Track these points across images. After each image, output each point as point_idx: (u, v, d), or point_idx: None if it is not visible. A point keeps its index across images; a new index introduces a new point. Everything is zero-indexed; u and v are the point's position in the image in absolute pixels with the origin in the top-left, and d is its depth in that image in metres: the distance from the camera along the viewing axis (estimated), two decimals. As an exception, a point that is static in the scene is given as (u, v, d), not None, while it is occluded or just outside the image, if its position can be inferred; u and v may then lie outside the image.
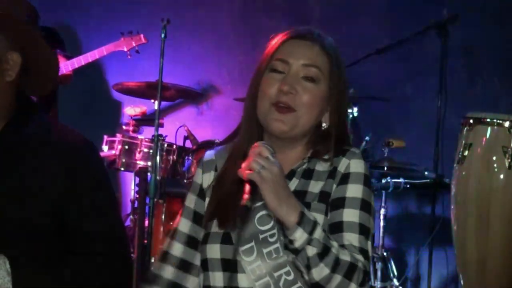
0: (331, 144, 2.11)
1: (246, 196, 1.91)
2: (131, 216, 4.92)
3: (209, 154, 2.23)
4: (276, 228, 2.05)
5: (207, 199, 2.17)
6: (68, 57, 5.03)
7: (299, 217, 1.91)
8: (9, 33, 2.25)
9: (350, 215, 2.04)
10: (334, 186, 2.08)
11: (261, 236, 2.05)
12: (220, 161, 2.19)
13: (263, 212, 2.06)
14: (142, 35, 5.07)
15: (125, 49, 5.06)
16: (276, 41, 2.14)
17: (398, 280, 4.58)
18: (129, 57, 5.08)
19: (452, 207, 4.00)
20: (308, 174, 2.12)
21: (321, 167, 2.12)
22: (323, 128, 2.14)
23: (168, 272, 2.18)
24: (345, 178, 2.08)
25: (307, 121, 2.09)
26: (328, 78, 2.11)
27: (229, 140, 2.22)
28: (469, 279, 3.90)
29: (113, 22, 5.68)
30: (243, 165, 1.92)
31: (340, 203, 2.06)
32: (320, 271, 1.93)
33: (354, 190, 2.07)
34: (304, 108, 2.08)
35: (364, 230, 2.04)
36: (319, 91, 2.10)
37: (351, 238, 2.02)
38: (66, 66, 4.96)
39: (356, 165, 2.09)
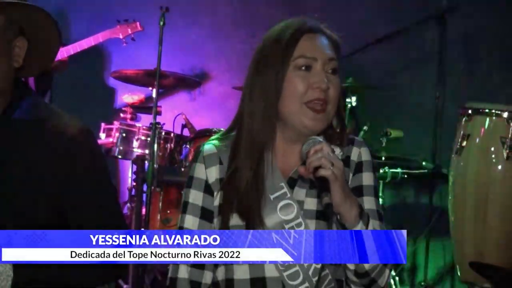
0: (343, 130, 2.16)
1: (324, 193, 1.94)
2: (128, 204, 4.92)
3: (209, 148, 2.19)
4: (301, 217, 2.07)
5: (216, 194, 2.15)
6: (64, 45, 5.01)
7: (359, 210, 1.98)
8: (16, 19, 2.25)
9: (369, 202, 2.12)
10: (350, 175, 2.14)
11: (286, 226, 2.06)
12: (223, 153, 2.17)
13: (284, 202, 2.08)
14: (138, 23, 5.07)
15: (121, 36, 5.05)
16: (290, 37, 2.11)
17: (395, 270, 4.59)
18: (124, 44, 5.08)
19: (450, 197, 4.00)
20: None
21: None
22: None
23: (184, 271, 2.15)
24: (359, 167, 2.15)
25: (334, 112, 2.13)
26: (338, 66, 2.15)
27: (229, 132, 2.20)
28: (466, 270, 3.90)
29: (111, 10, 5.66)
30: (310, 162, 1.94)
31: (359, 191, 2.12)
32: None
33: (368, 178, 2.15)
34: (333, 102, 2.11)
35: (380, 216, 2.12)
36: (339, 81, 2.14)
37: (375, 225, 2.06)
38: (61, 52, 4.94)
39: (366, 153, 2.17)
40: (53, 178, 2.21)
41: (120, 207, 2.42)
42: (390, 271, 2.06)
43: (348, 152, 2.15)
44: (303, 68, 2.09)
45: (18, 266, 2.12)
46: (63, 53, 4.96)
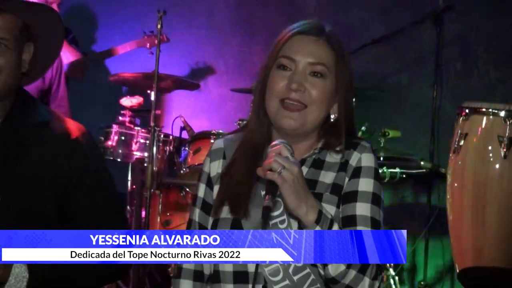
0: (341, 136, 2.15)
1: (267, 196, 1.95)
2: (128, 207, 4.93)
3: (218, 143, 2.26)
4: (285, 214, 2.09)
5: (215, 187, 2.20)
6: (84, 53, 5.11)
7: (317, 215, 1.97)
8: (30, 23, 2.27)
9: (362, 209, 2.09)
10: (346, 179, 2.13)
11: (271, 222, 2.08)
12: (229, 149, 2.22)
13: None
14: (164, 35, 5.13)
15: (148, 46, 5.17)
16: (282, 37, 2.17)
17: (394, 270, 4.60)
18: (151, 54, 5.15)
19: (448, 196, 4.01)
20: (318, 164, 2.16)
21: (332, 158, 2.16)
22: (332, 120, 2.18)
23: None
24: (357, 172, 2.12)
25: (316, 116, 2.14)
26: (334, 72, 2.15)
27: (240, 130, 2.27)
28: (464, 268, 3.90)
29: (108, 13, 5.68)
30: (264, 164, 1.96)
31: (352, 196, 2.10)
32: (336, 268, 1.98)
33: (366, 184, 2.11)
34: (314, 104, 2.12)
35: (375, 224, 2.08)
36: (327, 86, 2.14)
37: None
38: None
39: (367, 159, 2.14)
40: (57, 180, 2.25)
41: (121, 206, 2.46)
42: (375, 278, 2.03)
43: (348, 157, 2.15)
44: (283, 67, 2.13)
45: (33, 267, 2.14)
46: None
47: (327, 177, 2.14)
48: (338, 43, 2.18)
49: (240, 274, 2.08)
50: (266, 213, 1.96)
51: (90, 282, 2.31)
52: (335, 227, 2.00)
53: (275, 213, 2.09)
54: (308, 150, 2.18)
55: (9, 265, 2.13)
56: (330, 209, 2.07)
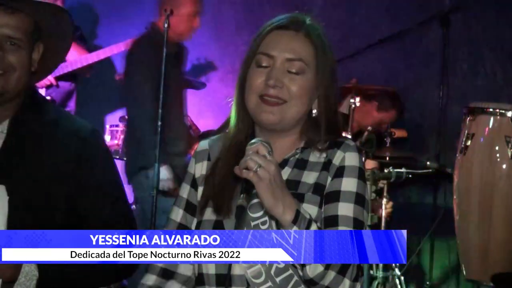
0: (320, 131, 2.11)
1: (242, 195, 1.93)
2: (133, 206, 4.93)
3: (202, 144, 2.24)
4: (267, 216, 2.05)
5: (200, 189, 2.17)
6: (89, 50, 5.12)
7: (294, 215, 1.92)
8: (41, 22, 2.27)
9: (345, 209, 2.03)
10: (329, 179, 2.08)
11: (252, 223, 2.06)
12: (213, 150, 2.19)
13: (255, 200, 2.06)
14: None
15: None
16: (260, 32, 2.14)
17: (400, 270, 4.60)
18: None
19: (455, 197, 4.01)
20: (302, 165, 2.12)
21: (315, 158, 2.12)
22: (313, 115, 2.13)
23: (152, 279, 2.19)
24: (340, 171, 2.07)
25: (296, 111, 2.09)
26: (314, 67, 2.10)
27: (221, 130, 2.22)
28: (471, 268, 3.90)
29: (114, 12, 5.69)
30: (240, 162, 1.92)
31: (335, 196, 2.05)
32: (314, 268, 1.94)
33: (349, 184, 2.06)
34: (294, 99, 2.07)
35: (358, 224, 2.03)
36: (306, 81, 2.09)
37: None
38: (91, 57, 5.04)
39: (351, 159, 2.08)
40: (66, 180, 2.25)
41: (129, 206, 2.46)
42: (356, 280, 1.99)
43: (331, 156, 2.10)
44: (261, 64, 2.09)
45: (42, 267, 2.14)
46: (93, 57, 5.06)
47: (310, 177, 2.10)
48: (319, 37, 2.12)
49: (223, 277, 2.05)
50: (240, 212, 1.92)
51: (97, 282, 2.30)
52: (313, 227, 1.95)
53: (257, 214, 2.06)
54: (290, 148, 2.14)
55: (19, 264, 2.12)
56: (311, 209, 2.02)
